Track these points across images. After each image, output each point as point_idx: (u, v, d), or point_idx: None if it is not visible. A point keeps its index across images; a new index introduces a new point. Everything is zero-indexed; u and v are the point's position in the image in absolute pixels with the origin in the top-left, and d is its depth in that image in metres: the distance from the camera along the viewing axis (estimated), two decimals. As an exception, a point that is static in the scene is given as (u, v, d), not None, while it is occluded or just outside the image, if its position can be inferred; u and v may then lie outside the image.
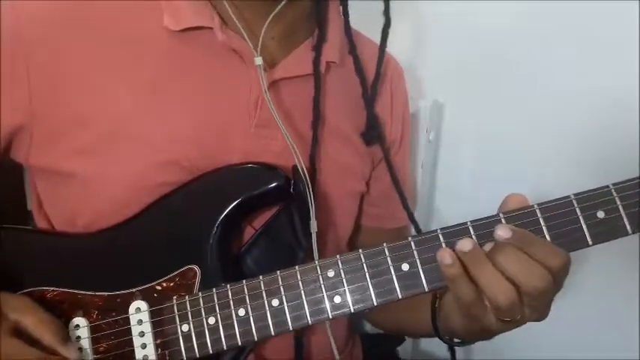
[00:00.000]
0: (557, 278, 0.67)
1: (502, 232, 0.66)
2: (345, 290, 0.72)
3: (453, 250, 0.67)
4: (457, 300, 0.70)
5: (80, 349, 0.77)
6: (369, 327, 1.30)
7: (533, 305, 0.68)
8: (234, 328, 0.74)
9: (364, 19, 0.94)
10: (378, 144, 0.94)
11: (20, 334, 0.71)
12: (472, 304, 0.68)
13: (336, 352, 0.82)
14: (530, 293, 0.66)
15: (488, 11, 1.18)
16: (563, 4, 1.10)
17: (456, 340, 0.80)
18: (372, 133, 0.94)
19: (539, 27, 1.14)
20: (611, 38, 1.07)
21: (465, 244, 0.67)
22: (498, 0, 1.16)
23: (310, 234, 0.81)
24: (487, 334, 0.73)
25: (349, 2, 0.90)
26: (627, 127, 1.07)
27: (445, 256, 0.67)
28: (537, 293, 0.66)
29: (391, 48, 1.02)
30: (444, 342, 0.82)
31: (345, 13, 0.91)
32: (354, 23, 0.92)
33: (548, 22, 1.13)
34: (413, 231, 0.96)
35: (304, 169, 0.82)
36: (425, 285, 0.70)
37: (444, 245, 0.70)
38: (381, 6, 0.90)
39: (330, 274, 0.73)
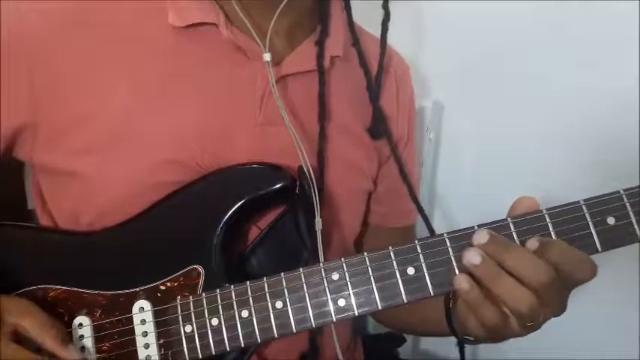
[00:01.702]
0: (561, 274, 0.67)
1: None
2: (349, 293, 0.72)
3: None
4: (482, 324, 0.69)
5: (83, 347, 0.77)
6: (370, 328, 1.30)
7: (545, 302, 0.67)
8: (237, 330, 0.74)
9: (365, 17, 0.94)
10: (385, 138, 0.94)
11: (20, 337, 0.71)
12: (497, 324, 0.68)
13: (340, 354, 0.82)
14: (537, 289, 0.66)
15: (488, 11, 1.18)
16: (563, 4, 1.10)
17: (469, 338, 0.78)
18: (379, 127, 0.93)
19: (540, 27, 1.14)
20: (611, 38, 1.07)
21: (474, 258, 0.66)
22: (499, 0, 1.16)
23: (315, 235, 0.81)
24: (508, 338, 0.72)
25: (351, -1, 0.91)
26: (627, 127, 1.07)
27: (462, 281, 0.67)
28: (543, 288, 0.65)
29: (393, 47, 1.02)
30: (461, 341, 0.81)
31: (348, 8, 0.91)
32: (355, 20, 0.92)
33: (549, 23, 1.13)
34: (419, 230, 0.96)
35: (309, 168, 0.81)
36: (431, 289, 0.70)
37: (450, 250, 0.70)
38: (379, 2, 0.90)
39: (335, 277, 0.72)
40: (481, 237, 0.67)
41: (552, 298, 0.68)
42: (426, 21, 1.27)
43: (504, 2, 1.16)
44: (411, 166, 1.04)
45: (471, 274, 0.67)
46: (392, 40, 0.94)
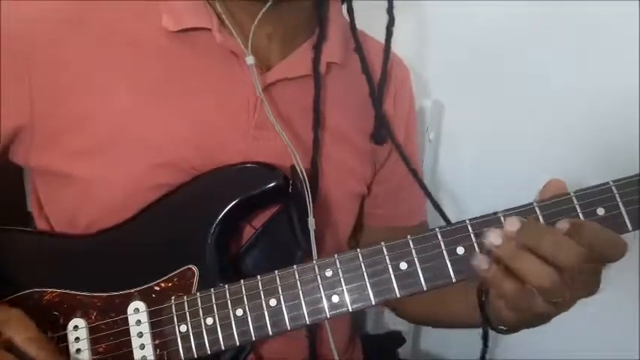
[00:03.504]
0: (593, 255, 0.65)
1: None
2: (342, 290, 0.72)
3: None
4: (503, 297, 0.68)
5: (79, 349, 0.77)
6: (370, 327, 1.30)
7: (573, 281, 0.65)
8: (232, 329, 0.74)
9: (366, 19, 0.94)
10: (389, 142, 0.93)
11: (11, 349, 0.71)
12: (518, 297, 0.66)
13: (335, 354, 0.81)
14: (567, 269, 0.64)
15: (488, 11, 1.18)
16: (563, 4, 1.10)
17: (502, 327, 0.77)
18: (382, 132, 0.92)
19: (540, 27, 1.14)
20: (611, 38, 1.06)
21: (495, 238, 0.65)
22: (499, 0, 1.16)
23: (309, 234, 0.81)
24: (541, 320, 0.70)
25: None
26: (627, 127, 1.07)
27: (481, 261, 0.66)
28: (574, 270, 0.64)
29: (392, 48, 1.02)
30: (497, 331, 0.79)
31: (350, 11, 0.89)
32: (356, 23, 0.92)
33: (548, 22, 1.13)
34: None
35: (302, 169, 0.81)
36: (423, 284, 0.70)
37: (442, 245, 0.70)
38: (382, 6, 0.89)
39: (328, 273, 0.72)
40: (512, 225, 0.65)
41: (583, 279, 0.66)
42: (426, 20, 1.26)
43: (504, 2, 1.16)
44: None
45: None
46: (392, 39, 0.94)
